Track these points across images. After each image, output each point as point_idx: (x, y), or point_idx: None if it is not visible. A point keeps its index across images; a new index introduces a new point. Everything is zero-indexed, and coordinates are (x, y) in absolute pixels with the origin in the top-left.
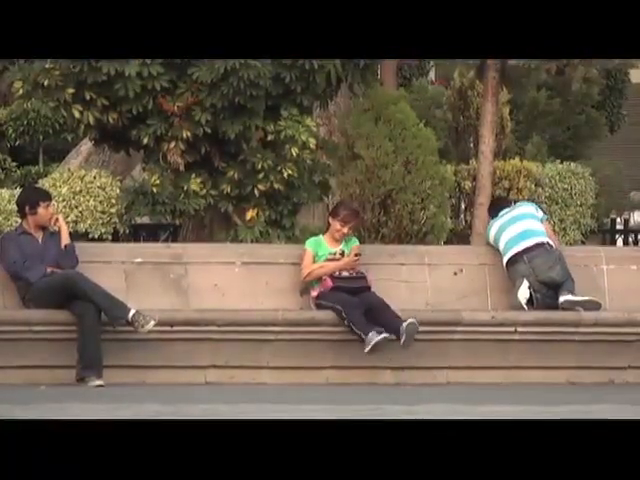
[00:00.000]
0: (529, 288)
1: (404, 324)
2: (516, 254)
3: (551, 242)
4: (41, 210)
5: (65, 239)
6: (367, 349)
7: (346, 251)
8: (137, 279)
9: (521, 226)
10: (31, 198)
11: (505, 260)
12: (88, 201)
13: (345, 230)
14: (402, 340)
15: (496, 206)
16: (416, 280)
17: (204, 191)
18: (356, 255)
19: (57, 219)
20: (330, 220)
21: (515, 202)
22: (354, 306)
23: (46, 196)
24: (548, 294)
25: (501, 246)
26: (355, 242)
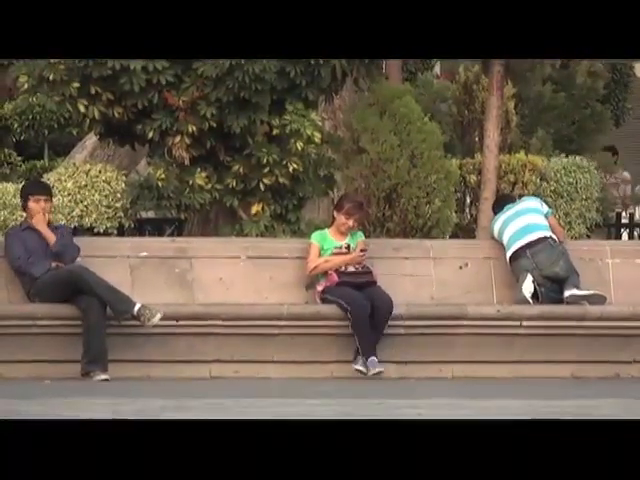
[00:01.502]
0: (533, 282)
1: (365, 366)
2: (519, 249)
3: (554, 237)
4: (31, 204)
5: (50, 240)
6: (369, 373)
7: (352, 245)
8: (142, 273)
9: (524, 220)
10: (23, 192)
11: (508, 255)
12: (93, 195)
13: (350, 223)
14: (354, 366)
15: (500, 202)
16: (421, 274)
17: (209, 185)
18: (362, 251)
19: (37, 219)
20: (335, 214)
21: (519, 197)
22: (361, 310)
23: (38, 190)
24: (552, 288)
25: (504, 240)
26: (361, 236)
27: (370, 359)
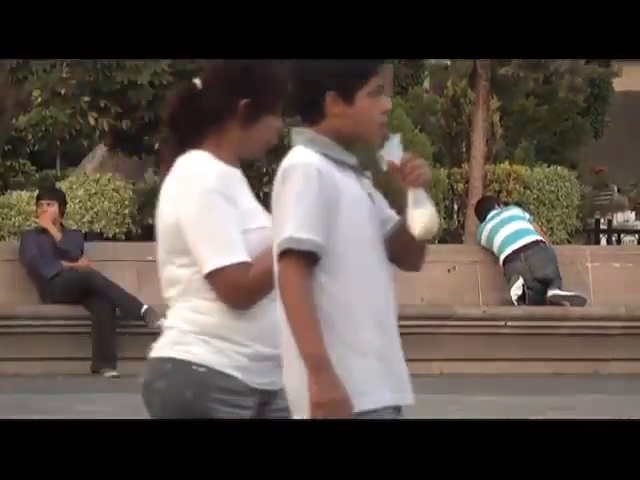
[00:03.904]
0: (523, 285)
1: None
2: (512, 252)
3: (545, 240)
4: (39, 209)
5: (56, 237)
6: None
7: None
8: (149, 276)
9: (514, 226)
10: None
11: (502, 258)
12: (103, 203)
13: None
14: None
15: (483, 208)
16: (411, 277)
17: None
18: None
19: (42, 219)
20: None
21: (500, 204)
22: None
23: (41, 195)
24: (540, 291)
25: (495, 246)
26: None
27: None
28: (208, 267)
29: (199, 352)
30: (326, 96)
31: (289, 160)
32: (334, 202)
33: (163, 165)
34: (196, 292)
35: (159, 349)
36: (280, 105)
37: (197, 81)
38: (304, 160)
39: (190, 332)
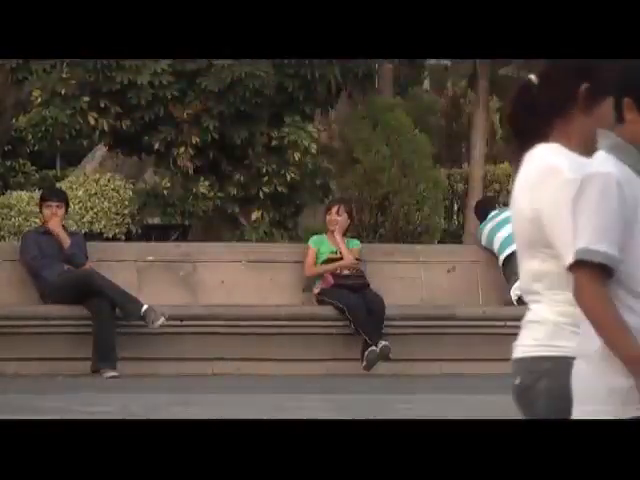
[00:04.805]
0: None
1: (367, 352)
2: (513, 252)
3: None
4: (44, 210)
5: (64, 242)
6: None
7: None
8: (149, 276)
9: None
10: (39, 199)
11: (502, 258)
12: (103, 203)
13: (332, 216)
14: (362, 364)
15: (483, 208)
16: (411, 277)
17: (212, 194)
18: (356, 259)
19: (53, 223)
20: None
21: (499, 205)
22: (357, 308)
23: (49, 196)
24: None
25: (496, 246)
26: (357, 244)
27: (380, 343)
28: (569, 259)
29: (574, 345)
30: (623, 101)
31: (589, 168)
32: (633, 214)
33: (513, 162)
34: (567, 284)
35: (530, 348)
36: (614, 86)
37: (532, 76)
38: (603, 169)
39: (566, 325)
